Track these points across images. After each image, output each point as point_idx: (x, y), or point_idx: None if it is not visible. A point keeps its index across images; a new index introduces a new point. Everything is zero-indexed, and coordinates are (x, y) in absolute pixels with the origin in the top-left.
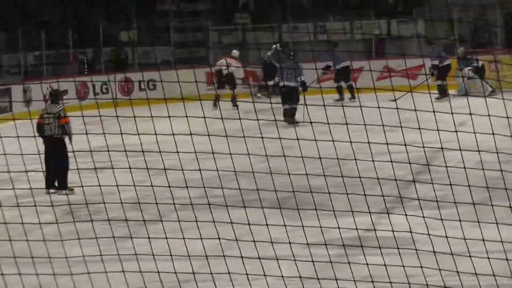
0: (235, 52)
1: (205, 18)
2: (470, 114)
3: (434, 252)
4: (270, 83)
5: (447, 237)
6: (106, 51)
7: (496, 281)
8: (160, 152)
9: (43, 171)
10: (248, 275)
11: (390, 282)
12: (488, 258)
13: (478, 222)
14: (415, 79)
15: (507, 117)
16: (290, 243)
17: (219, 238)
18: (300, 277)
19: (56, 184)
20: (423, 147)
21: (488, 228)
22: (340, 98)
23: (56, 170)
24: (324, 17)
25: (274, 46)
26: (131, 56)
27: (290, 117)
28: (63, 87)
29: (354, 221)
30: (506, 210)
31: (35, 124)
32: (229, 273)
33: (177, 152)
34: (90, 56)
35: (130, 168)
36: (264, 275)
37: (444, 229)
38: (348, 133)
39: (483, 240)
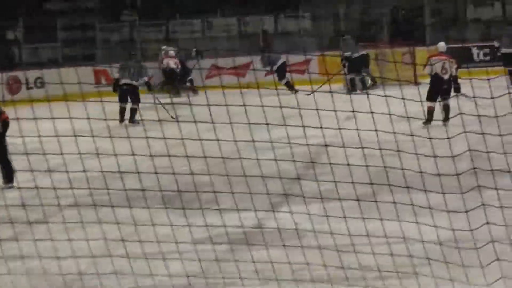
0: (171, 52)
1: (92, 15)
2: (353, 111)
3: (319, 247)
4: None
5: (332, 233)
6: None
7: (381, 273)
8: (43, 154)
9: None
10: (136, 275)
11: (277, 280)
12: (373, 253)
13: (363, 218)
14: (303, 74)
15: (389, 114)
16: (176, 243)
17: (105, 239)
18: (187, 276)
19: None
20: (307, 144)
21: (373, 222)
22: (293, 91)
23: (4, 165)
24: (212, 13)
25: (194, 49)
26: (17, 55)
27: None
28: None
29: (240, 217)
30: (391, 204)
31: None
32: (116, 273)
33: (62, 154)
34: None
35: (15, 169)
36: (151, 274)
37: (329, 224)
38: (232, 130)
39: (367, 236)
